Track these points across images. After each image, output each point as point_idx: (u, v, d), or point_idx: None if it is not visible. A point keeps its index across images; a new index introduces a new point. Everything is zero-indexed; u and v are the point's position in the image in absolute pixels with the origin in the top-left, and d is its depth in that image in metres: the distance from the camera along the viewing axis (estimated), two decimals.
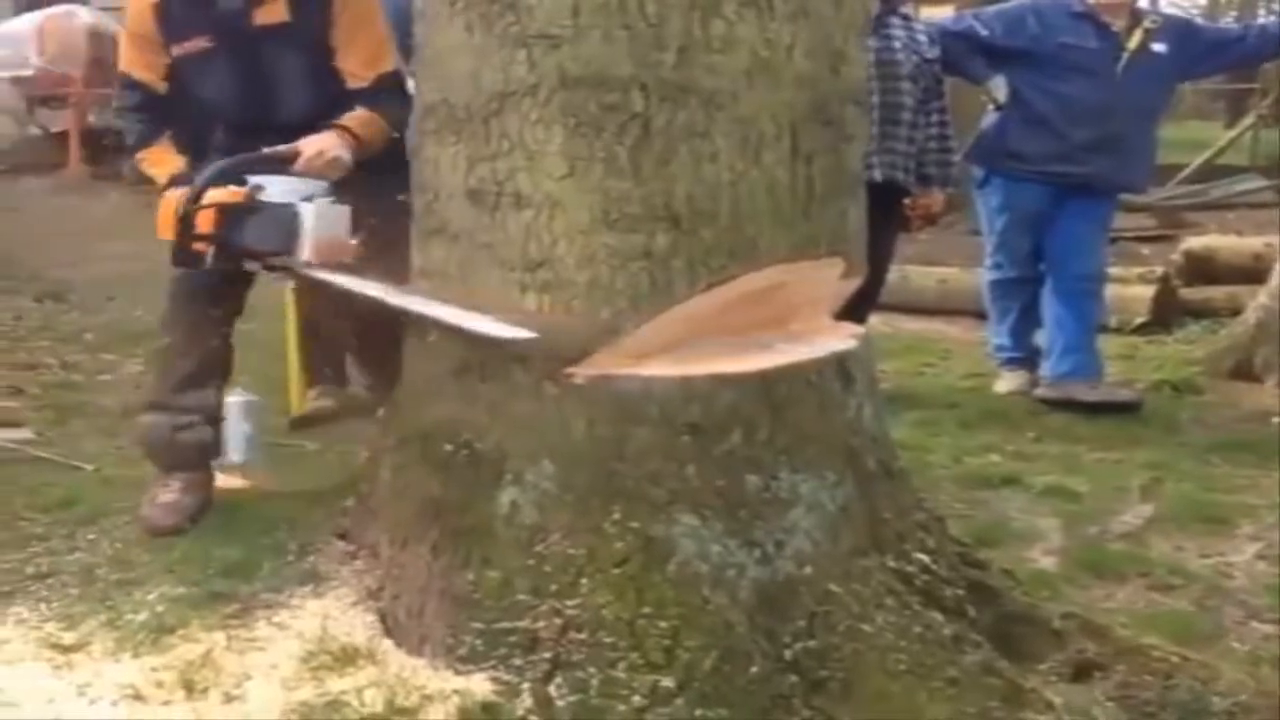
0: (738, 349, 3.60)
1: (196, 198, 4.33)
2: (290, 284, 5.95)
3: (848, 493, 3.64)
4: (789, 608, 3.48)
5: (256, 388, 5.73)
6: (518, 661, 3.41)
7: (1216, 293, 9.48)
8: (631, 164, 3.44)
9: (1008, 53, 7.06)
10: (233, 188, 4.36)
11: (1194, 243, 9.90)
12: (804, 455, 3.58)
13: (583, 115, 3.45)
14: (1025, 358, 7.50)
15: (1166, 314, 9.26)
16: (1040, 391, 7.24)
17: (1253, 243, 9.67)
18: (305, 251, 4.29)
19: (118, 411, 6.39)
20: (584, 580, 3.43)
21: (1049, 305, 7.28)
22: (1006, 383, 7.50)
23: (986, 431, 6.72)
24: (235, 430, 5.30)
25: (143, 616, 3.73)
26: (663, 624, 3.37)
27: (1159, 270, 9.67)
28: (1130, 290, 9.15)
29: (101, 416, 6.32)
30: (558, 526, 3.48)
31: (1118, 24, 7.02)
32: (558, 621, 3.41)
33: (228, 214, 4.35)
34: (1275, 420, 7.19)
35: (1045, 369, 7.29)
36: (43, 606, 3.85)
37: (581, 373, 3.49)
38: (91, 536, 4.36)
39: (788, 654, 3.43)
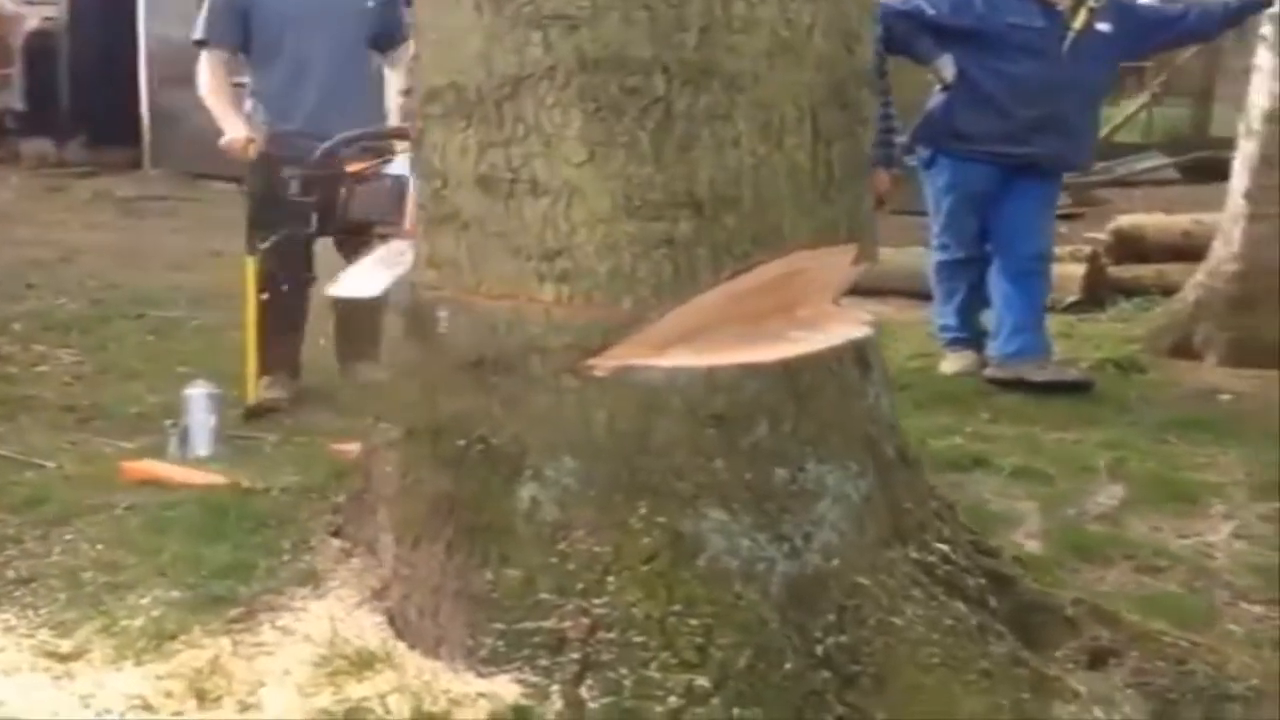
0: (754, 337, 3.52)
1: (318, 166, 4.32)
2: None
3: (870, 483, 3.57)
4: (818, 602, 3.41)
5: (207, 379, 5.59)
6: (544, 663, 3.31)
7: (1146, 270, 9.53)
8: (653, 149, 3.35)
9: (955, 32, 7.01)
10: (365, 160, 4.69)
11: (1123, 221, 9.95)
12: (828, 445, 3.51)
13: (603, 99, 3.34)
14: (971, 338, 7.47)
15: (1097, 292, 9.30)
16: (989, 372, 7.22)
17: (1181, 220, 9.73)
18: (408, 220, 4.44)
19: (59, 405, 6.20)
20: (611, 578, 3.34)
21: (996, 285, 7.26)
22: (952, 363, 7.47)
23: (941, 413, 6.68)
24: (200, 423, 5.16)
25: (140, 622, 3.59)
26: (694, 621, 3.29)
27: (1087, 249, 9.68)
28: (1061, 269, 9.15)
29: (45, 410, 6.12)
30: (581, 523, 3.39)
31: (1062, 3, 7.00)
32: (585, 621, 3.31)
33: (343, 184, 4.51)
34: (1223, 398, 7.22)
35: (993, 349, 7.27)
36: (30, 613, 3.69)
37: (602, 364, 3.40)
38: (68, 537, 4.19)
39: (819, 649, 3.36)
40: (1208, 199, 11.70)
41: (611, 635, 3.29)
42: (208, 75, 6.29)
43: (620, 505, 3.37)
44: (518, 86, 3.40)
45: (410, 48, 6.51)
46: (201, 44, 6.30)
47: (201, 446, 5.15)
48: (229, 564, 3.85)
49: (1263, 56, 7.73)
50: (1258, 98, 7.74)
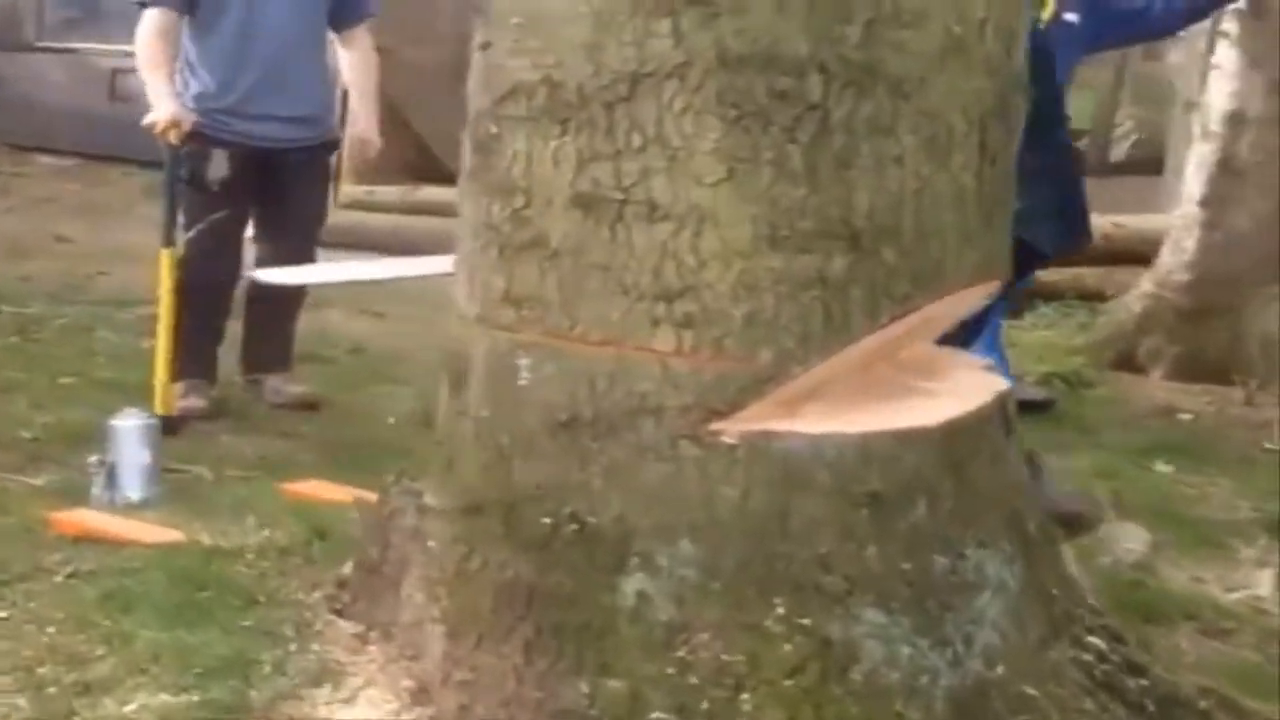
0: (875, 391, 2.92)
1: None
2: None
3: (1022, 568, 2.98)
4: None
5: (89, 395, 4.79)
6: None
7: (1062, 275, 9.08)
8: (806, 167, 2.74)
9: None
10: None
11: None
12: (985, 525, 2.94)
13: (746, 104, 2.72)
14: None
15: (1015, 296, 8.82)
16: None
17: (1100, 223, 9.27)
18: None
19: None
20: (745, 695, 2.74)
21: None
22: None
23: None
24: (132, 461, 4.40)
25: None
26: None
27: None
28: None
29: None
30: (704, 625, 2.77)
31: None
32: None
33: None
34: (1183, 417, 6.82)
35: None
36: None
37: (733, 429, 2.77)
38: (4, 615, 3.43)
39: None
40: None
41: None
42: (148, 40, 5.48)
43: (754, 603, 2.77)
44: (635, 86, 2.77)
45: (367, 28, 5.96)
46: (145, 4, 5.50)
47: (133, 488, 4.38)
48: (225, 657, 3.15)
49: (1224, 55, 7.29)
50: (1218, 99, 7.30)
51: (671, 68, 2.74)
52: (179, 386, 5.41)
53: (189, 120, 5.38)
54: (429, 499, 3.13)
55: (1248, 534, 5.13)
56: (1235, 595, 4.65)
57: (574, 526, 2.85)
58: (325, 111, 5.86)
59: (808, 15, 2.71)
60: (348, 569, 3.44)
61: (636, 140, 2.77)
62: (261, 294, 5.74)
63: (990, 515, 2.95)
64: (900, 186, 2.80)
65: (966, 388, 3.03)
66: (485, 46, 3.00)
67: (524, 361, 2.91)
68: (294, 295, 5.90)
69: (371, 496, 4.33)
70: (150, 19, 5.51)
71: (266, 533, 3.90)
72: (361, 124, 5.92)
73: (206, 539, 3.87)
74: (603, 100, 2.79)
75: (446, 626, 3.00)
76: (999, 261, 3.01)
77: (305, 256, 5.80)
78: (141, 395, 5.28)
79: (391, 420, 5.83)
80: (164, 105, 5.39)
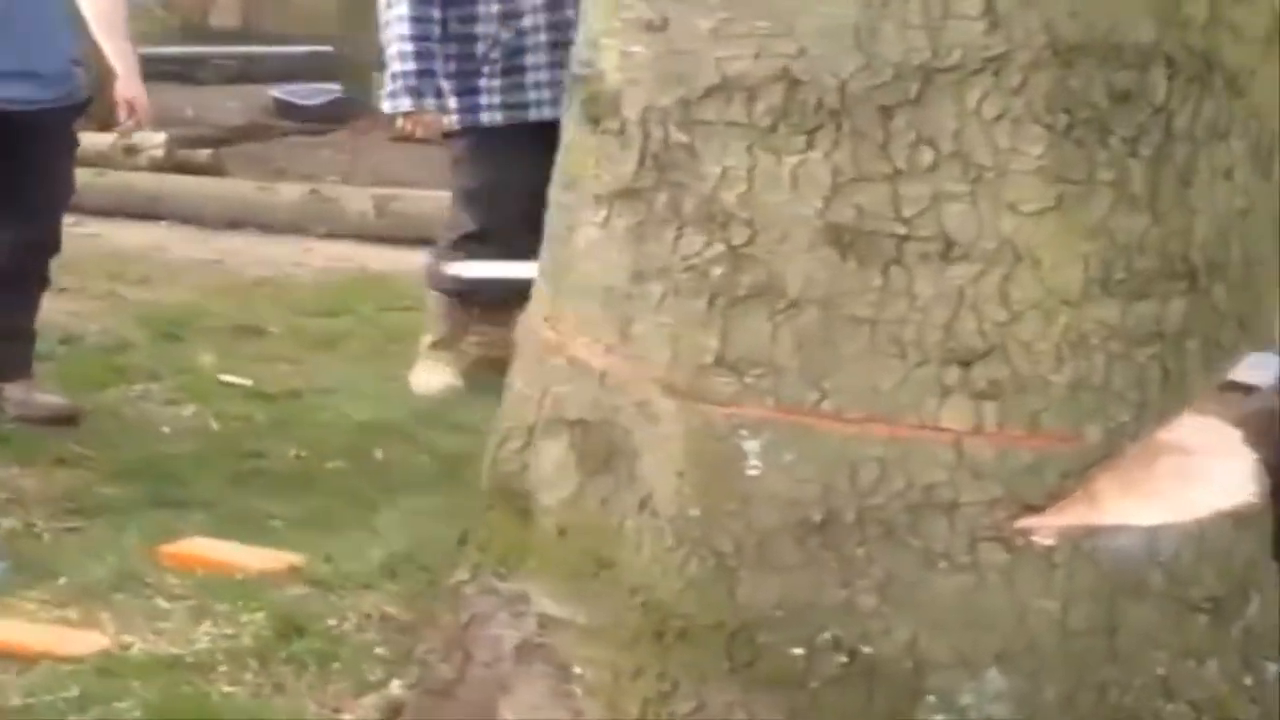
0: (1143, 459, 2.36)
1: None
2: None
3: None
4: None
5: None
6: None
7: None
8: (1148, 189, 2.14)
9: None
10: None
11: None
12: None
13: (1081, 109, 2.09)
14: None
15: None
16: None
17: None
18: None
19: None
20: None
21: None
22: None
23: None
24: None
25: None
26: None
27: None
28: None
29: None
30: None
31: None
32: None
33: None
34: None
35: None
36: None
37: (1049, 524, 2.16)
38: None
39: None
40: None
41: None
42: None
43: None
44: (927, 85, 2.10)
45: None
46: None
47: None
48: None
49: None
50: None
51: (981, 62, 2.09)
52: None
53: None
54: (556, 610, 2.41)
55: None
56: None
57: (840, 658, 2.19)
58: (68, 67, 4.90)
59: None
60: (395, 688, 2.69)
61: (926, 157, 2.12)
62: None
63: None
64: (1228, 207, 2.24)
65: (1212, 440, 2.48)
66: (657, 26, 2.27)
67: (752, 445, 2.22)
68: (33, 287, 4.96)
69: (281, 557, 3.57)
70: None
71: (209, 626, 3.07)
72: (121, 80, 4.99)
73: (140, 643, 3.01)
74: (875, 103, 2.13)
75: None
76: None
77: (50, 238, 4.91)
78: None
79: (166, 430, 4.99)
80: None
